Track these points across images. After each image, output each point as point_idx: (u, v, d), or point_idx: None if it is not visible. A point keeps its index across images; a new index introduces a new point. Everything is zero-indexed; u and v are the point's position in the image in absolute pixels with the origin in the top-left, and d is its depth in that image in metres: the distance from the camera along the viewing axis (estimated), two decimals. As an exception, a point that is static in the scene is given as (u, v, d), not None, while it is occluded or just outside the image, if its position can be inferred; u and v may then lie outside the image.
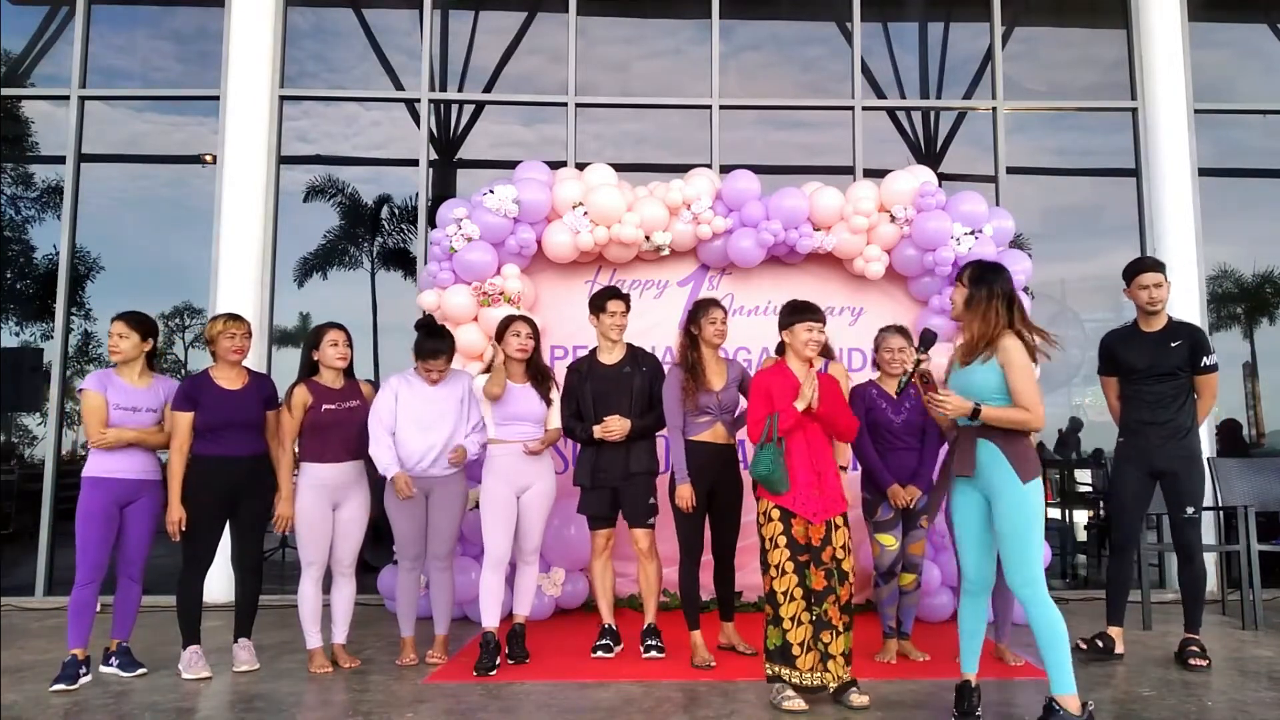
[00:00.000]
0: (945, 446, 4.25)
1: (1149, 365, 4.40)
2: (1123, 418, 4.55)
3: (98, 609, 4.24)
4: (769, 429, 3.63)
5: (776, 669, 3.60)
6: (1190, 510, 4.41)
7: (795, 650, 3.55)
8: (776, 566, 3.61)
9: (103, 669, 4.28)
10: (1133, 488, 4.48)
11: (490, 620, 4.30)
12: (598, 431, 4.39)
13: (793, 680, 3.55)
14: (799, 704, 3.51)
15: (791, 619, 3.56)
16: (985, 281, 3.33)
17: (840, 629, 3.59)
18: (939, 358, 5.57)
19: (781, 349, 3.89)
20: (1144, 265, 4.49)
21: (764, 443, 3.63)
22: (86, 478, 4.18)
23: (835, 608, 3.58)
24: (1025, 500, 3.21)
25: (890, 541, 4.31)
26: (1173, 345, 4.39)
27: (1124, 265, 4.57)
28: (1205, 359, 4.38)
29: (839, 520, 3.66)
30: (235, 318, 4.38)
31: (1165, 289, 4.43)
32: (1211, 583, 6.06)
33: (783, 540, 3.61)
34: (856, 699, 3.54)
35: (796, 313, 3.84)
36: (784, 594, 3.58)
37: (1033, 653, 4.03)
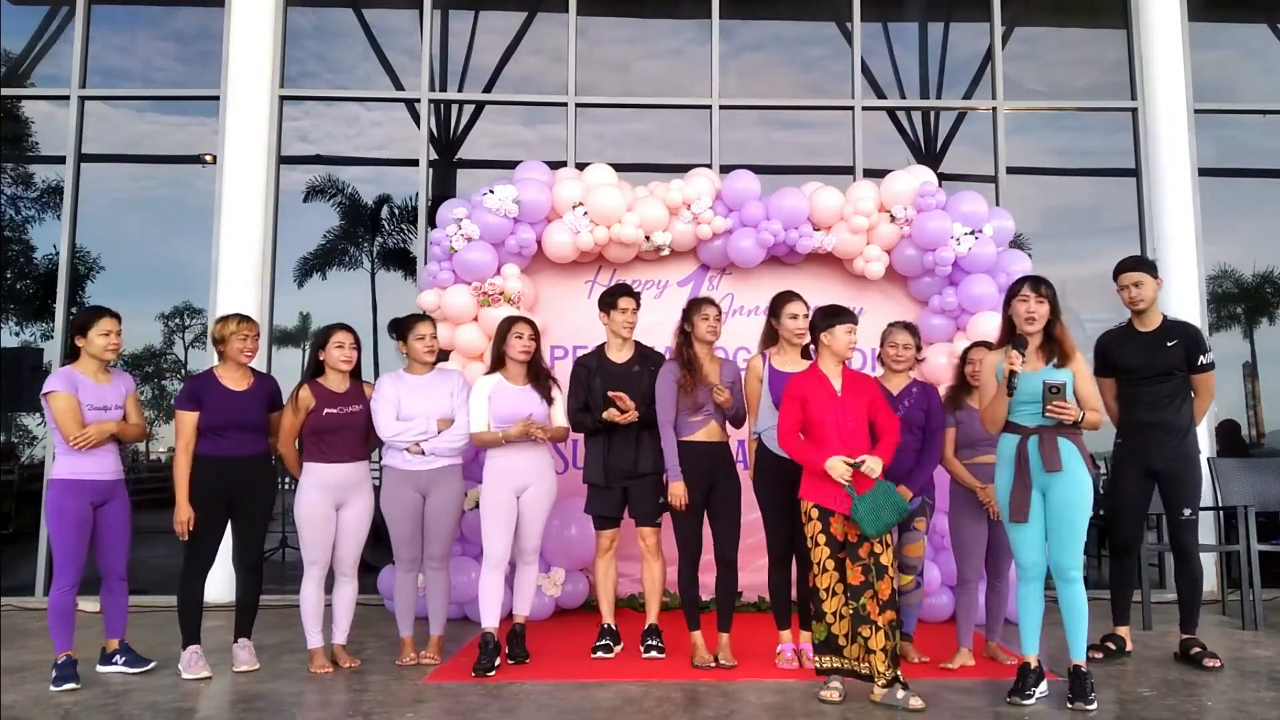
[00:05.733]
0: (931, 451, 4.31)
1: (1145, 365, 4.39)
2: (1121, 419, 4.53)
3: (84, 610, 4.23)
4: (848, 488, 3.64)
5: (826, 661, 3.73)
6: (1187, 512, 4.41)
7: (841, 641, 3.69)
8: (818, 564, 3.72)
9: (105, 669, 4.27)
10: (1132, 489, 4.48)
11: (490, 620, 4.29)
12: (606, 415, 4.33)
13: (843, 667, 3.68)
14: (835, 694, 3.66)
15: (834, 614, 3.70)
16: (1057, 297, 3.73)
17: (879, 624, 3.61)
18: (939, 358, 5.60)
19: (806, 352, 3.96)
20: (1123, 265, 4.47)
21: (861, 493, 3.62)
22: (57, 480, 4.09)
23: (874, 603, 3.62)
24: (1090, 491, 3.62)
25: None
26: (1169, 345, 4.38)
27: None
28: (1202, 358, 4.37)
29: None
30: (246, 319, 4.38)
31: (1148, 288, 4.39)
32: (1211, 583, 6.08)
33: (822, 538, 3.71)
34: (914, 702, 3.54)
35: (834, 316, 3.89)
36: (826, 590, 3.71)
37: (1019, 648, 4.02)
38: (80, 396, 4.11)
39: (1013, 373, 3.59)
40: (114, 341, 4.21)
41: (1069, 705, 3.55)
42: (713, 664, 4.26)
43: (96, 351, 4.18)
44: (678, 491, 4.27)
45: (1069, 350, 3.69)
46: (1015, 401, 3.65)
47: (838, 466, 3.63)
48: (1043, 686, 3.66)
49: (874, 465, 3.64)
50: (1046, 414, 3.57)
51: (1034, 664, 3.67)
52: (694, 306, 4.43)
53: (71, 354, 4.25)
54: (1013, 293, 3.76)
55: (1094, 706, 3.54)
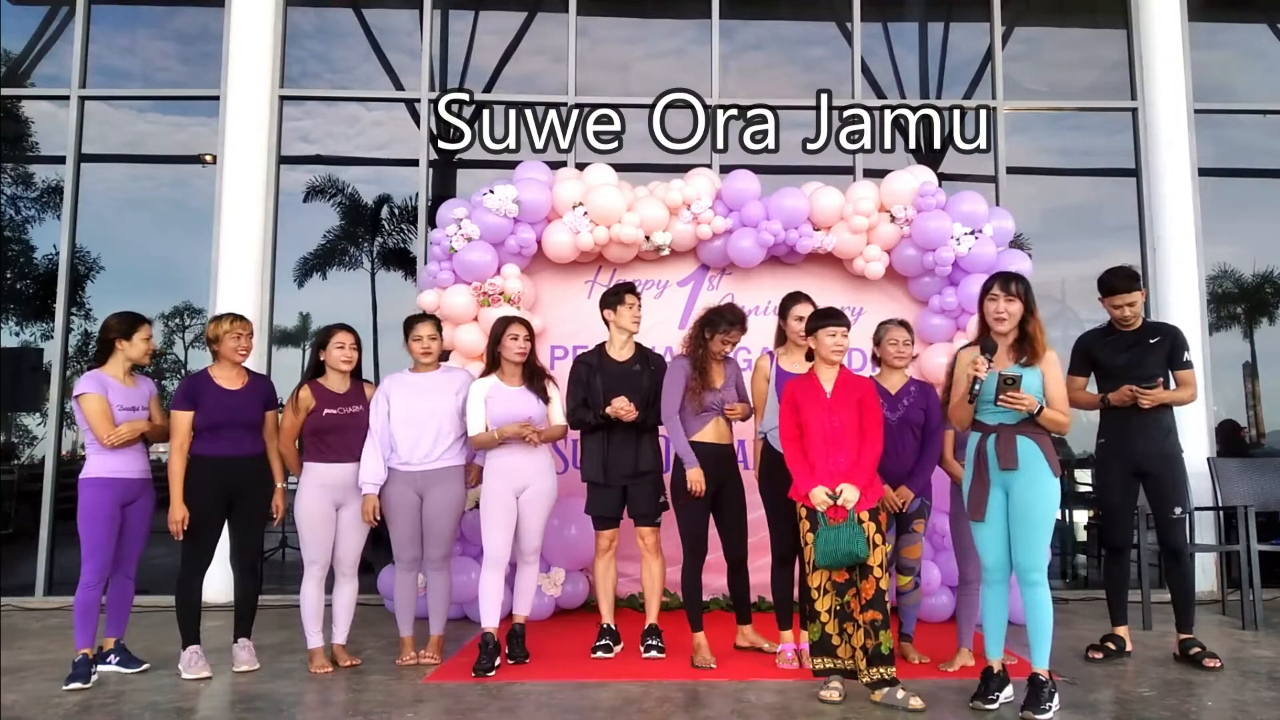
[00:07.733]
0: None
1: (1130, 363, 4.42)
2: (1104, 419, 4.56)
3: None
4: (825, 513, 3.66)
5: (820, 662, 3.74)
6: (1178, 510, 4.44)
7: (835, 641, 3.71)
8: (809, 563, 3.74)
9: (100, 668, 4.27)
10: (1120, 488, 4.50)
11: (490, 621, 4.29)
12: (611, 408, 4.34)
13: (837, 667, 3.70)
14: (835, 694, 3.66)
15: (828, 611, 3.72)
16: (1032, 294, 3.65)
17: (860, 622, 3.63)
18: (939, 358, 5.60)
19: (811, 353, 3.96)
20: (1113, 286, 4.45)
21: (831, 523, 3.64)
22: (90, 479, 4.18)
23: (856, 600, 3.66)
24: (1054, 492, 3.53)
25: None
26: (1152, 342, 4.44)
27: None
28: (1186, 354, 4.45)
29: (863, 515, 3.66)
30: (240, 318, 4.39)
31: (1139, 304, 4.45)
32: (1211, 583, 6.09)
33: (811, 538, 3.71)
34: (914, 702, 3.53)
35: (819, 319, 3.90)
36: (818, 589, 3.73)
37: (1024, 650, 4.03)
38: (110, 398, 4.21)
39: (975, 379, 3.52)
40: (151, 347, 4.36)
41: (1020, 713, 3.46)
42: (758, 650, 4.45)
43: (137, 355, 4.32)
44: (696, 478, 4.26)
45: (1039, 349, 3.60)
46: (980, 399, 3.60)
47: (818, 496, 3.67)
48: (1008, 691, 3.60)
49: (850, 496, 3.65)
50: (998, 403, 3.50)
51: (997, 668, 3.62)
52: (720, 325, 4.35)
53: (99, 357, 4.34)
54: (984, 291, 3.70)
55: (1045, 717, 3.41)
